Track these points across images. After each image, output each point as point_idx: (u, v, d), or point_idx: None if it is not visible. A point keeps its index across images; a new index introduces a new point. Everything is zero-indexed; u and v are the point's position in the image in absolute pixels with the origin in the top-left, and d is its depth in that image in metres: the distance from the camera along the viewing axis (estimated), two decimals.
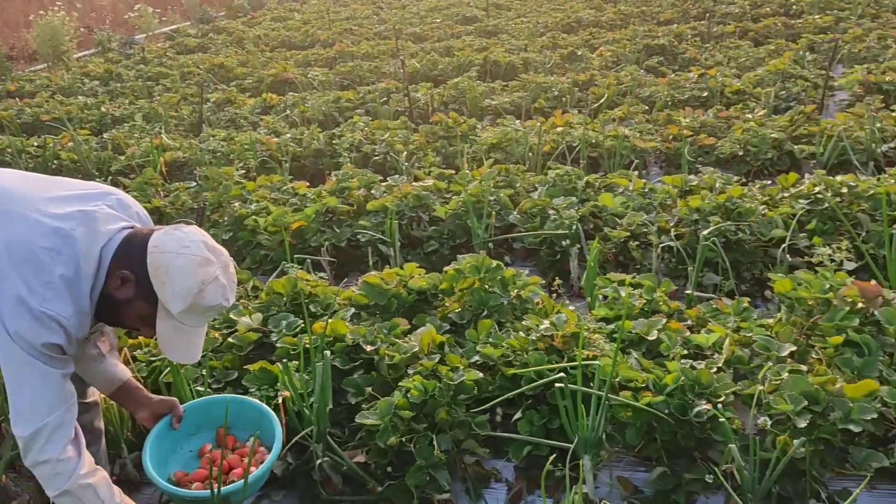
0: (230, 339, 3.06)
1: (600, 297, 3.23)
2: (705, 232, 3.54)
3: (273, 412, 2.44)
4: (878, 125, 5.06)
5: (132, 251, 1.96)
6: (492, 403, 2.57)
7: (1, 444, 2.32)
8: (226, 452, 2.44)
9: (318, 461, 2.53)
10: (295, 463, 2.61)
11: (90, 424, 2.50)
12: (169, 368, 2.77)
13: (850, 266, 3.47)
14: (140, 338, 3.11)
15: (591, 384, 2.50)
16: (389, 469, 2.47)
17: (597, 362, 2.49)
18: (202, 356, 2.49)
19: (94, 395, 2.50)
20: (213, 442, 2.51)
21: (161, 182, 5.15)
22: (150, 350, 3.04)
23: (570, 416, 2.36)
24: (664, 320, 2.84)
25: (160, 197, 4.87)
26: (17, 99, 8.68)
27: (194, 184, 5.08)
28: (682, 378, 2.50)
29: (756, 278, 3.66)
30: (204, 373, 2.87)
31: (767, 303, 3.55)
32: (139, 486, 2.75)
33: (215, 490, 2.13)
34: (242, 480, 2.19)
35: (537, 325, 2.80)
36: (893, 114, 5.42)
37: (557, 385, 2.30)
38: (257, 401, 2.50)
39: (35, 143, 6.31)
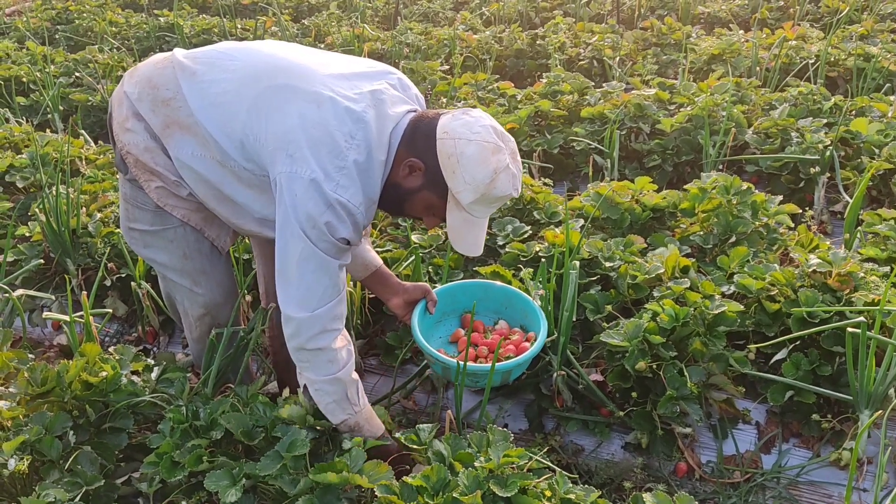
0: None
1: (862, 234, 2.87)
2: None
3: (521, 291, 2.36)
4: None
5: (420, 137, 1.82)
6: (768, 343, 2.32)
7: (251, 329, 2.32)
8: (486, 334, 2.41)
9: (555, 374, 2.41)
10: (525, 373, 2.51)
11: None
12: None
13: None
14: None
15: (872, 331, 2.20)
16: (634, 394, 2.31)
17: (877, 307, 2.18)
18: None
19: None
20: (461, 328, 2.45)
21: None
22: None
23: (854, 365, 2.09)
24: None
25: None
26: None
27: None
28: None
29: None
30: (430, 269, 2.81)
31: None
32: (362, 375, 2.77)
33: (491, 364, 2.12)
34: (523, 356, 2.17)
35: (806, 260, 2.49)
36: None
37: (851, 330, 2.02)
38: (502, 283, 2.40)
39: (239, 26, 6.42)
